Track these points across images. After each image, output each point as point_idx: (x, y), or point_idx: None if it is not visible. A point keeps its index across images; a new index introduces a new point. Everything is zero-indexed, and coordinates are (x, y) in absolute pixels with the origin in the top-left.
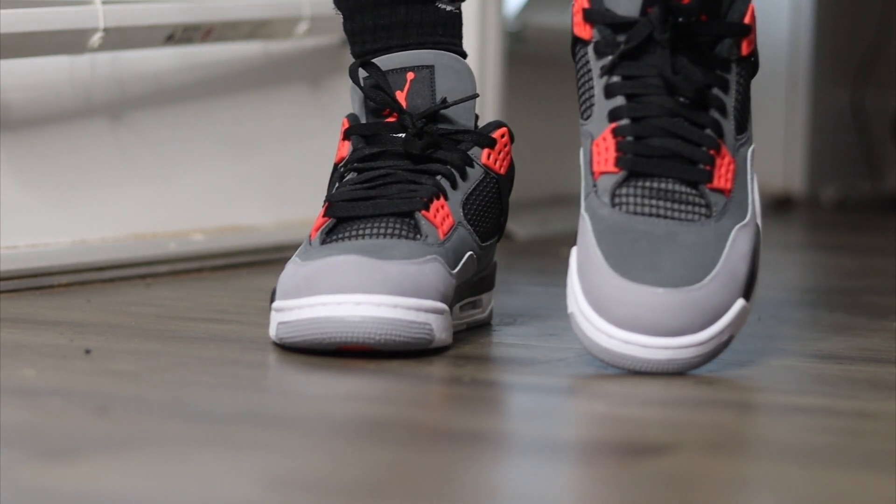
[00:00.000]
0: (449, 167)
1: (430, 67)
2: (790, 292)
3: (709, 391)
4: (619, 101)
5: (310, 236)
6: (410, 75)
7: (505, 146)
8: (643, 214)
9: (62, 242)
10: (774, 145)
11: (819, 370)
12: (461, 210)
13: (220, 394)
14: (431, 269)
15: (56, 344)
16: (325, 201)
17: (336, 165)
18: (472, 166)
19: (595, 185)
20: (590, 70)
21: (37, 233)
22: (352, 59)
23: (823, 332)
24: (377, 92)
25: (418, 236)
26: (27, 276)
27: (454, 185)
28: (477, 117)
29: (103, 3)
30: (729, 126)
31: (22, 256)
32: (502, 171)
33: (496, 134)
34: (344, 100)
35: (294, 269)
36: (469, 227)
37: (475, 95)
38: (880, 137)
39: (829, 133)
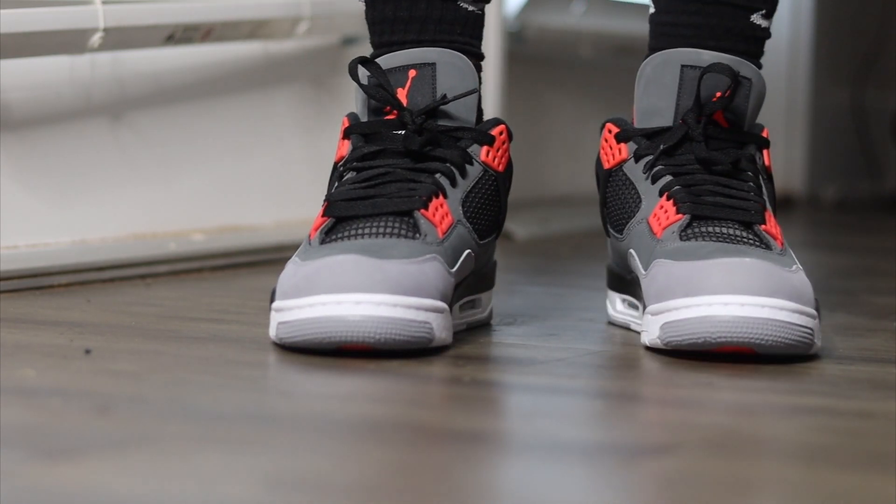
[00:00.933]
0: (448, 165)
1: (432, 65)
2: None
3: (709, 391)
4: (667, 178)
5: (309, 236)
6: (412, 73)
7: (503, 143)
8: (711, 241)
9: (62, 242)
10: (774, 145)
11: (819, 370)
12: (460, 208)
13: (220, 394)
14: (431, 268)
15: (56, 344)
16: (324, 200)
17: (336, 164)
18: (472, 164)
19: (660, 241)
20: (627, 180)
21: (37, 233)
22: (350, 59)
23: (823, 332)
24: (378, 89)
25: (417, 235)
26: (27, 276)
27: (453, 183)
28: (482, 112)
29: (103, 3)
30: (766, 196)
31: (22, 256)
32: (501, 168)
33: (495, 131)
34: (344, 99)
35: (294, 269)
36: (468, 224)
37: (474, 90)
38: (880, 137)
39: (829, 133)
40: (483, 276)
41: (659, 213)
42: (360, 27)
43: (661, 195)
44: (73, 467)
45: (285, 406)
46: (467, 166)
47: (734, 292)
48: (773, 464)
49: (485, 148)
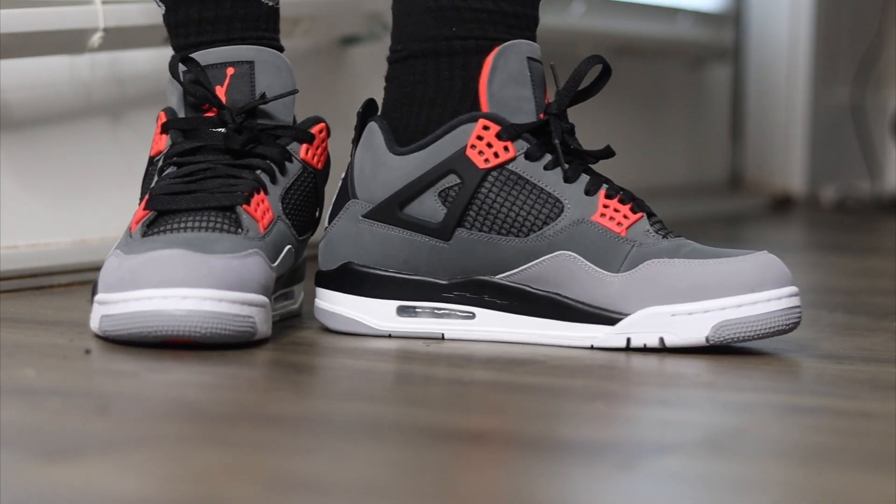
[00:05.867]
0: (268, 162)
1: (251, 63)
2: None
3: (708, 391)
4: (585, 178)
5: (130, 228)
6: (230, 70)
7: (323, 141)
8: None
9: (62, 242)
10: (774, 145)
11: (819, 370)
12: (280, 204)
13: (219, 394)
14: (254, 263)
15: (56, 344)
16: (144, 194)
17: (152, 158)
18: (291, 161)
19: (626, 239)
20: (523, 179)
21: (37, 233)
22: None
23: (823, 332)
24: (196, 87)
25: (239, 230)
26: (27, 276)
27: (273, 180)
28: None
29: (103, 3)
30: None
31: (22, 256)
32: (319, 165)
33: (315, 129)
34: (344, 99)
35: (118, 263)
36: (287, 221)
37: (294, 91)
38: (880, 137)
39: (829, 133)
40: (295, 269)
41: (608, 213)
42: (361, 27)
43: (588, 194)
44: (73, 467)
45: (285, 406)
46: (287, 164)
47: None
48: (772, 464)
49: (304, 146)
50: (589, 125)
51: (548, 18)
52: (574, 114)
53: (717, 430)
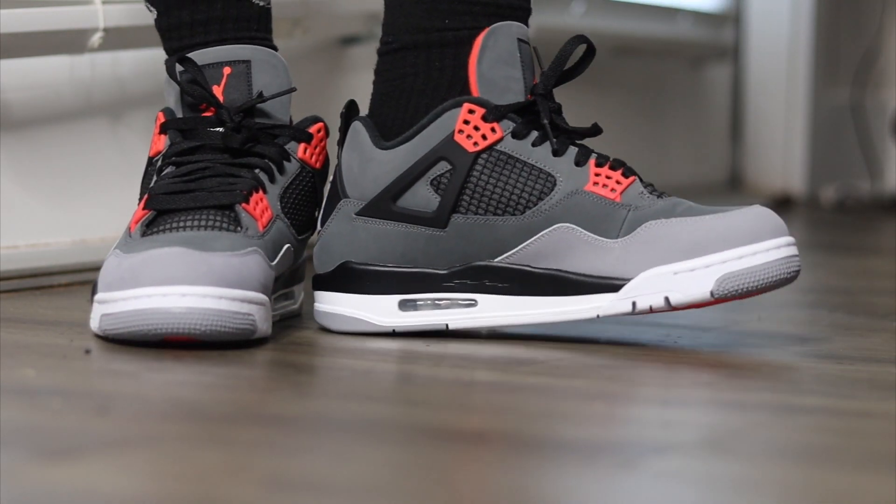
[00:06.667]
0: (267, 161)
1: (247, 62)
2: (790, 292)
3: (709, 391)
4: (573, 150)
5: (129, 228)
6: (227, 70)
7: (321, 141)
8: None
9: (62, 242)
10: (774, 145)
11: (819, 370)
12: (279, 203)
13: (219, 394)
14: (253, 261)
15: (56, 344)
16: (144, 194)
17: (151, 158)
18: (290, 160)
19: (621, 204)
20: (513, 157)
21: (37, 233)
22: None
23: (823, 332)
24: (194, 87)
25: (238, 229)
26: (27, 276)
27: (272, 179)
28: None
29: (103, 3)
30: None
31: (22, 256)
32: (318, 165)
33: (313, 129)
34: (343, 99)
35: (117, 262)
36: (286, 220)
37: (292, 89)
38: (880, 137)
39: (829, 133)
40: (295, 269)
41: (600, 181)
42: (361, 27)
43: (579, 165)
44: (73, 467)
45: (285, 406)
46: (285, 163)
47: None
48: (772, 464)
49: (302, 145)
50: (589, 124)
51: (548, 18)
52: (575, 114)
53: (717, 430)
